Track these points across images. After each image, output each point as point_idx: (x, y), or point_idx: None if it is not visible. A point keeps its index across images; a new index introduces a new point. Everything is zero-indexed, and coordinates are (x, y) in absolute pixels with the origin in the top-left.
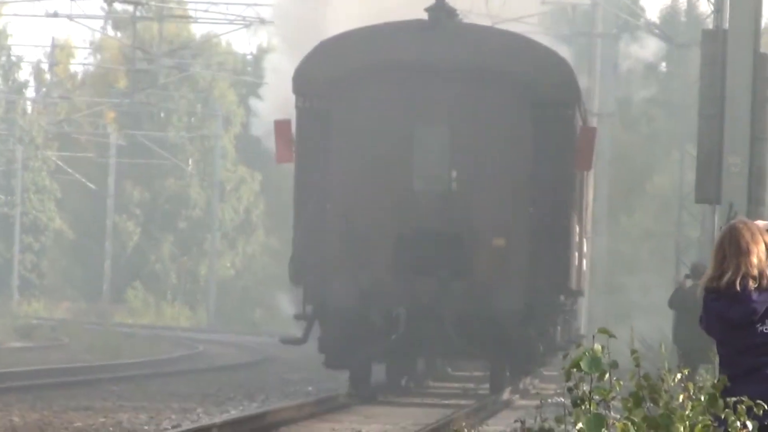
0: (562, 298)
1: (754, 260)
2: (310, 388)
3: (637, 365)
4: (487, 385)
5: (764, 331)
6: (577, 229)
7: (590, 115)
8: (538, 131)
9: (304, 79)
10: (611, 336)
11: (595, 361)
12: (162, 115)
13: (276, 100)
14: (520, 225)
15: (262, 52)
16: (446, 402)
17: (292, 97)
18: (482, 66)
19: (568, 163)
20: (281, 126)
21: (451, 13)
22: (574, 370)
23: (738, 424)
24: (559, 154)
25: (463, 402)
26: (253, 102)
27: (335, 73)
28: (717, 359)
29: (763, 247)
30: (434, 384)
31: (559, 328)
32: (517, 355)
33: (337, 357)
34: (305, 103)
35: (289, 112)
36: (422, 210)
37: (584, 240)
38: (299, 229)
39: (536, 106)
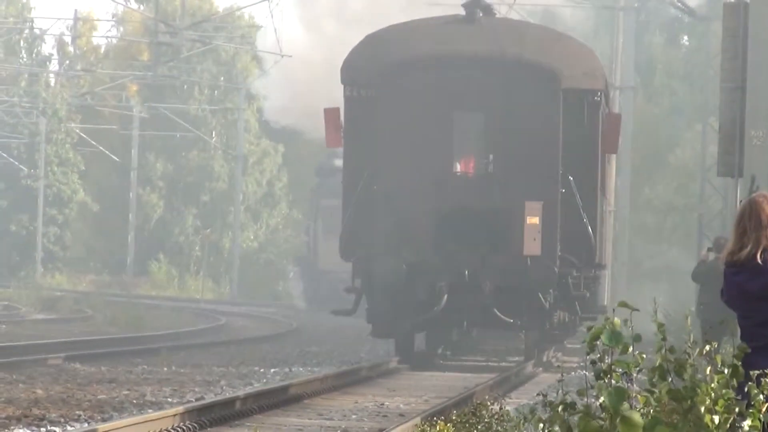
0: (589, 271)
1: None
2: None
3: (664, 338)
4: (511, 359)
5: None
6: (602, 205)
7: (612, 88)
8: (567, 117)
9: (352, 71)
10: (633, 309)
11: (615, 335)
12: (185, 87)
13: (288, 81)
14: (552, 204)
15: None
16: (469, 375)
17: (304, 75)
18: (515, 57)
19: (596, 147)
20: (330, 113)
21: (486, 8)
22: (597, 342)
23: (761, 397)
24: (586, 139)
25: (486, 375)
26: (259, 84)
27: (381, 64)
28: (738, 332)
29: None
30: (459, 357)
31: (587, 298)
32: (550, 324)
33: (383, 327)
34: (353, 92)
35: (301, 89)
36: (462, 190)
37: (606, 214)
38: (348, 209)
39: (565, 93)
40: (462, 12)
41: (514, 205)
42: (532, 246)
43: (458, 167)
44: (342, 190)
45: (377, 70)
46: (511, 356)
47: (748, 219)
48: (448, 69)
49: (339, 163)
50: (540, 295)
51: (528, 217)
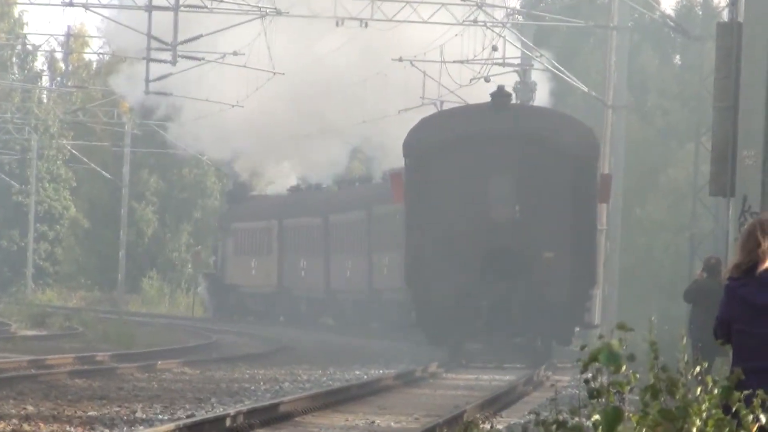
0: (591, 291)
1: None
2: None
3: (656, 357)
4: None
5: None
6: (597, 238)
7: (605, 107)
8: (573, 177)
9: (411, 145)
10: (629, 330)
11: (613, 356)
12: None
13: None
14: (563, 242)
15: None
16: (460, 393)
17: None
18: (535, 134)
19: (594, 198)
20: (395, 176)
21: (509, 96)
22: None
23: (750, 417)
24: (587, 193)
25: (476, 393)
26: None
27: (434, 140)
28: (731, 351)
29: None
30: (449, 375)
31: (587, 313)
32: (563, 331)
33: (437, 336)
34: (412, 161)
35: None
36: (496, 232)
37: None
38: (409, 248)
39: (573, 161)
40: (490, 100)
41: (535, 244)
42: (549, 274)
43: (492, 215)
44: (404, 234)
45: (431, 144)
46: (514, 363)
47: (762, 233)
48: (484, 143)
49: (249, 192)
50: (556, 311)
51: (545, 252)
